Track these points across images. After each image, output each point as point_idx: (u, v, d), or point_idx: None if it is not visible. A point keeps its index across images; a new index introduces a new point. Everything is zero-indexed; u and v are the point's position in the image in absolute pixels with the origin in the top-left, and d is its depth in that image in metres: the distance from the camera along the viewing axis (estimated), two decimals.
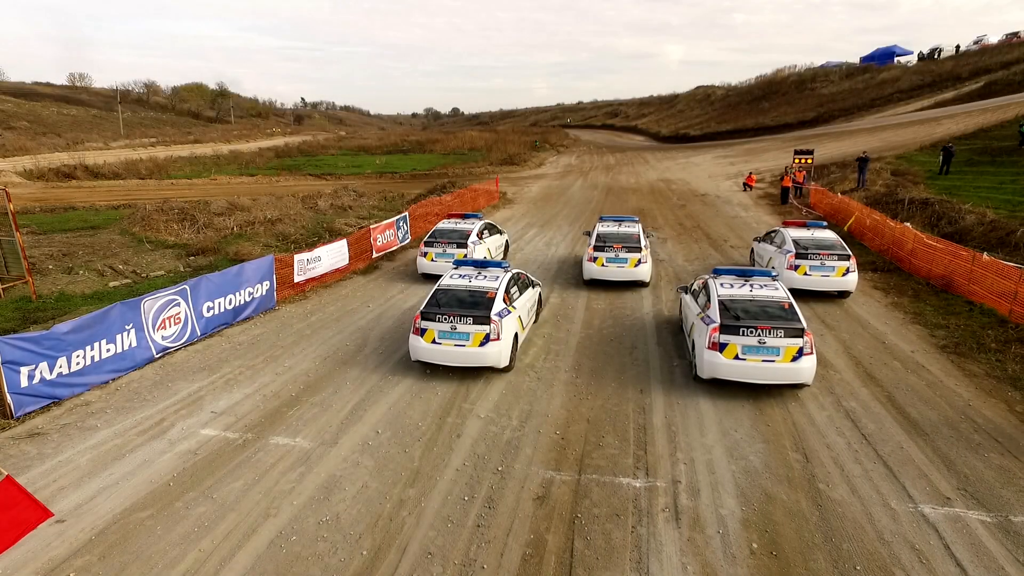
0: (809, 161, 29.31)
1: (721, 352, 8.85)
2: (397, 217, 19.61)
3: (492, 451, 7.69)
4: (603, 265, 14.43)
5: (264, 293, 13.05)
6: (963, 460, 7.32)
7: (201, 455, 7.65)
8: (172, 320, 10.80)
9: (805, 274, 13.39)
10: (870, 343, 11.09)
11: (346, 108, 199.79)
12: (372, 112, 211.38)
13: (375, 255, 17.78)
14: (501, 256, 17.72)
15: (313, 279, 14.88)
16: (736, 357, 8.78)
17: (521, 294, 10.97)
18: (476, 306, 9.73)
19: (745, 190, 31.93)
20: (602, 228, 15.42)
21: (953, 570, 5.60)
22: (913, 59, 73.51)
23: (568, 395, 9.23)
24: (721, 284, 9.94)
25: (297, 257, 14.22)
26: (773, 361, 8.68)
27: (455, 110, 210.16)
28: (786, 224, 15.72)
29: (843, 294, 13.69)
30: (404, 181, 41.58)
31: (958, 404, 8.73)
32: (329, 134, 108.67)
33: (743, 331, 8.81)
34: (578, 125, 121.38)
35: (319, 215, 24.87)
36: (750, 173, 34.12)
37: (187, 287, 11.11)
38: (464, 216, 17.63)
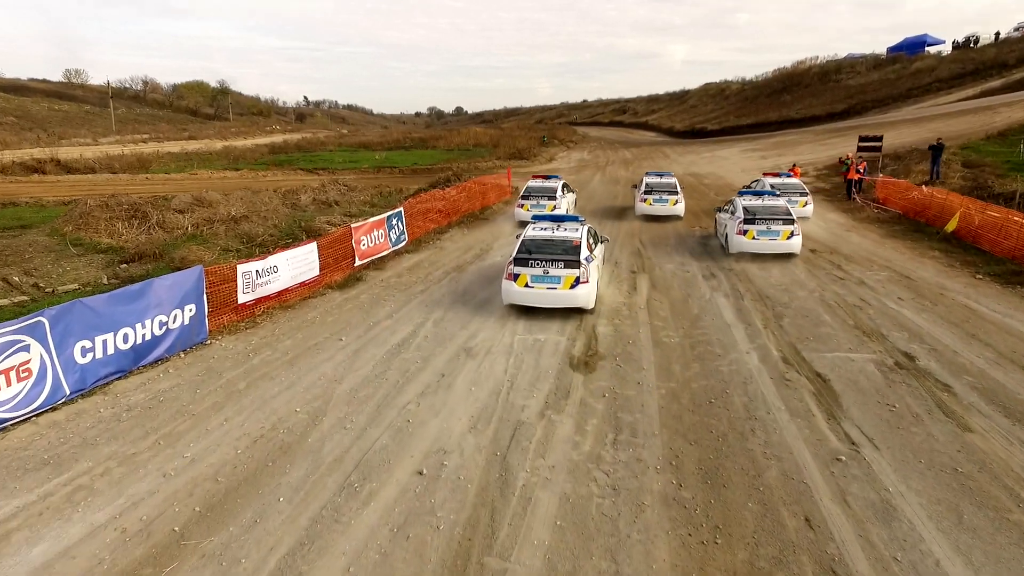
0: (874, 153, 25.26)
1: (744, 236, 13.99)
2: (389, 213, 15.54)
3: None
4: (651, 204, 19.58)
5: (187, 322, 8.97)
6: None
7: None
8: (15, 373, 6.78)
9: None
10: None
11: (349, 107, 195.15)
12: (375, 111, 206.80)
13: (358, 262, 13.72)
14: (574, 211, 20.28)
15: (268, 297, 10.86)
16: (754, 238, 13.94)
17: (596, 245, 11.65)
18: (566, 252, 10.38)
19: None
20: (648, 180, 20.64)
21: None
22: (945, 48, 69.27)
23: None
24: (743, 198, 15.12)
25: (242, 268, 10.11)
26: (775, 239, 13.92)
27: (459, 109, 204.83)
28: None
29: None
30: (404, 176, 37.54)
31: None
32: (330, 132, 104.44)
33: (757, 222, 14.01)
34: (585, 122, 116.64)
35: (298, 212, 20.79)
36: (794, 165, 30.07)
37: (44, 320, 7.04)
38: (547, 177, 20.99)
